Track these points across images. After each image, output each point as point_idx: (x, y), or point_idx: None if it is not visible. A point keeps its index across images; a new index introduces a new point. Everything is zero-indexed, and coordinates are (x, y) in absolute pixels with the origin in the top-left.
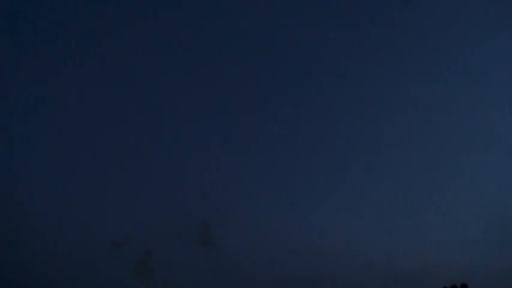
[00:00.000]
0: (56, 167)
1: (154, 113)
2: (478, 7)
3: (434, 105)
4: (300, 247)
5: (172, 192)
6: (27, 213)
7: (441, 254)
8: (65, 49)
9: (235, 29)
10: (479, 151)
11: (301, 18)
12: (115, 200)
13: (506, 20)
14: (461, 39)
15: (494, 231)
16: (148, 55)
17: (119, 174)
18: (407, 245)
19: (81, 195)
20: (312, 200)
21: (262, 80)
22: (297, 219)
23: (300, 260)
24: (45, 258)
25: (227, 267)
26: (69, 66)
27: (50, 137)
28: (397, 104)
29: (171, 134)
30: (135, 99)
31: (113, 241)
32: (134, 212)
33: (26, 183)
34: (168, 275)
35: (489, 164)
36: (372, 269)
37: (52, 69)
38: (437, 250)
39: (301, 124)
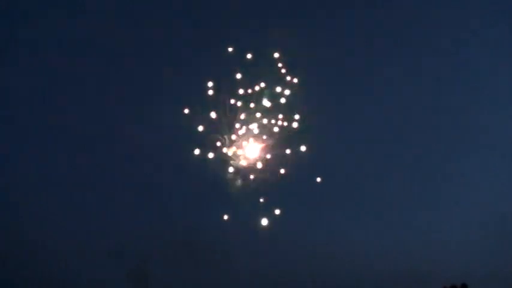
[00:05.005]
0: (53, 173)
1: (155, 122)
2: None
3: (433, 106)
4: (297, 247)
5: (169, 200)
6: (22, 220)
7: (441, 254)
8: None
9: None
10: (478, 152)
11: None
12: (111, 207)
13: (504, 20)
14: (457, 40)
15: (494, 231)
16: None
17: (117, 179)
18: (407, 245)
19: (77, 203)
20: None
21: None
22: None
23: (297, 260)
24: (40, 264)
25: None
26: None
27: (47, 143)
28: (393, 104)
29: (168, 140)
30: (133, 110)
31: (108, 250)
32: (131, 219)
33: (22, 188)
34: (164, 283)
35: (488, 164)
36: (371, 269)
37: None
38: (437, 250)
39: None
